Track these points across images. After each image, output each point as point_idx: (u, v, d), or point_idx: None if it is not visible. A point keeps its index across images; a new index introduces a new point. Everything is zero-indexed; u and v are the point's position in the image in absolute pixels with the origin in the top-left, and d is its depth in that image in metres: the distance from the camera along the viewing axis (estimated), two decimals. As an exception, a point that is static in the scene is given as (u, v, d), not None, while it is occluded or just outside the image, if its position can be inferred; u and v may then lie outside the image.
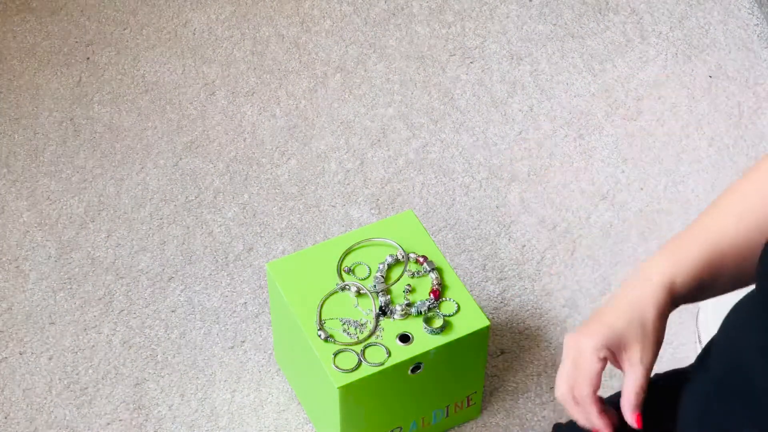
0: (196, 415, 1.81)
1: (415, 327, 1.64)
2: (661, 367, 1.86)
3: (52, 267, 1.96)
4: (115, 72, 2.20)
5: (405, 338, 1.63)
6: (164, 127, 2.13)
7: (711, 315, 1.85)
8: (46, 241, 1.98)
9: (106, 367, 1.85)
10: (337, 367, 1.60)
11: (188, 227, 2.01)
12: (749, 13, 2.29)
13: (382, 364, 1.61)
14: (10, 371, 1.85)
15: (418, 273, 1.69)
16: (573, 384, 1.26)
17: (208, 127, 2.13)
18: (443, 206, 2.04)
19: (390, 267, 1.70)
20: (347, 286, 1.67)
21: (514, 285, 1.94)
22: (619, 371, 1.85)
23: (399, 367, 1.62)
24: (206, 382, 1.84)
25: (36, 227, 2.00)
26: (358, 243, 1.72)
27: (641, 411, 1.24)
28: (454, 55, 2.24)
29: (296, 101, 2.17)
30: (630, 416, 1.24)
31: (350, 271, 1.69)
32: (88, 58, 2.22)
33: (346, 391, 1.60)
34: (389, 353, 1.61)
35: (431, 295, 1.66)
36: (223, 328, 1.89)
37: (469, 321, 1.64)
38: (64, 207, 2.02)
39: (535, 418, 1.81)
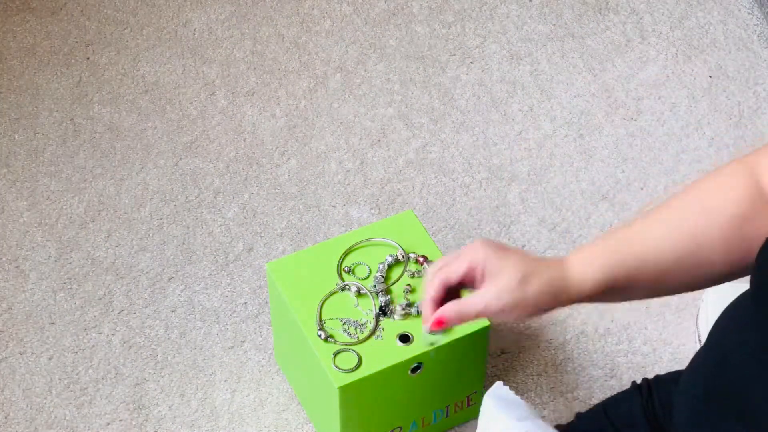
0: (196, 415, 1.81)
1: (415, 327, 1.64)
2: (661, 368, 1.86)
3: (52, 267, 1.96)
4: (115, 72, 2.20)
5: (405, 338, 1.63)
6: (164, 127, 2.13)
7: (711, 315, 1.85)
8: (46, 241, 1.98)
9: (106, 367, 1.85)
10: (337, 367, 1.60)
11: (188, 227, 2.01)
12: (749, 13, 2.30)
13: (382, 364, 1.61)
14: (10, 371, 1.85)
15: (418, 273, 1.69)
16: (440, 263, 1.31)
17: (208, 127, 2.13)
18: (443, 206, 2.04)
19: (390, 267, 1.70)
20: (347, 286, 1.67)
21: (514, 285, 1.94)
22: (619, 373, 1.85)
23: (399, 367, 1.62)
24: (206, 382, 1.84)
25: (36, 227, 2.00)
26: (358, 243, 1.72)
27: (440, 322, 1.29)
28: (454, 55, 2.24)
29: (296, 101, 2.17)
30: (431, 317, 1.29)
31: (350, 271, 1.70)
32: (88, 58, 2.22)
33: (346, 391, 1.60)
34: (389, 353, 1.61)
35: (431, 295, 1.66)
36: (223, 328, 1.89)
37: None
38: (64, 207, 2.02)
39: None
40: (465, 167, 2.08)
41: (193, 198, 2.04)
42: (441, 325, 1.29)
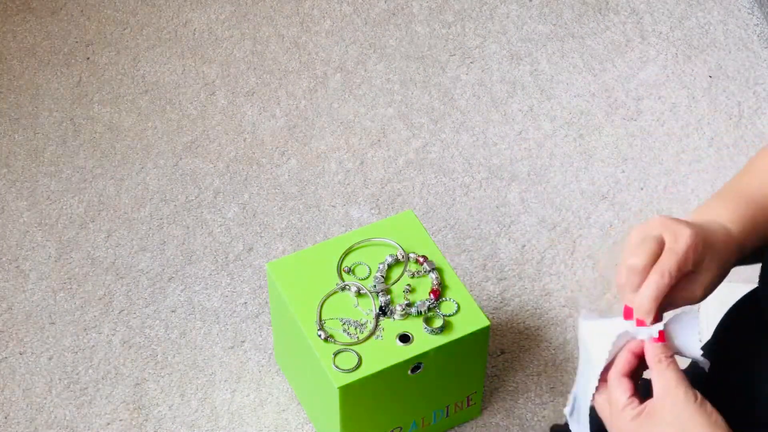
0: (196, 415, 1.81)
1: (415, 327, 1.64)
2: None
3: (52, 267, 1.96)
4: (115, 72, 2.20)
5: (405, 338, 1.63)
6: (164, 127, 2.13)
7: (712, 315, 1.85)
8: (46, 241, 1.98)
9: (106, 367, 1.85)
10: (337, 367, 1.60)
11: (188, 227, 2.01)
12: (749, 13, 2.30)
13: (382, 364, 1.61)
14: (10, 371, 1.85)
15: (418, 273, 1.69)
16: (624, 257, 1.15)
17: (208, 127, 2.13)
18: (443, 206, 2.04)
19: (390, 267, 1.70)
20: (347, 286, 1.67)
21: (514, 285, 1.94)
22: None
23: (399, 367, 1.62)
24: (206, 382, 1.84)
25: (36, 227, 2.00)
26: (358, 243, 1.72)
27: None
28: (454, 55, 2.24)
29: (296, 101, 2.17)
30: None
31: (350, 271, 1.69)
32: (88, 58, 2.22)
33: (346, 391, 1.60)
34: (389, 353, 1.61)
35: (431, 295, 1.66)
36: (223, 328, 1.89)
37: (469, 321, 1.64)
38: (64, 207, 2.02)
39: (535, 418, 1.81)
40: (465, 167, 2.08)
41: (193, 198, 2.04)
42: (629, 316, 1.16)
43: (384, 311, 1.65)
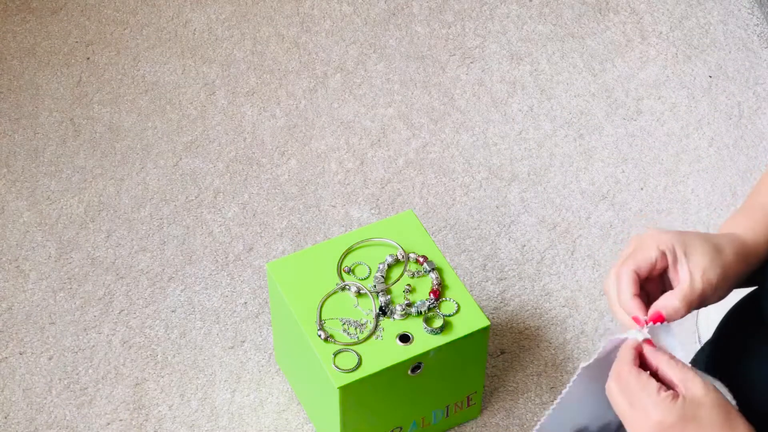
0: (196, 415, 1.81)
1: (415, 327, 1.64)
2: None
3: (52, 267, 1.96)
4: (115, 72, 2.20)
5: (405, 338, 1.63)
6: (164, 127, 2.13)
7: (711, 315, 1.85)
8: (46, 241, 1.98)
9: (106, 367, 1.85)
10: (337, 367, 1.60)
11: (188, 227, 2.01)
12: (749, 13, 2.29)
13: (382, 364, 1.61)
14: (10, 371, 1.85)
15: (418, 273, 1.69)
16: (619, 262, 1.20)
17: (208, 127, 2.13)
18: (443, 206, 2.04)
19: (390, 267, 1.70)
20: (347, 286, 1.67)
21: (514, 285, 1.94)
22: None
23: (399, 367, 1.62)
24: (206, 382, 1.84)
25: (36, 227, 2.00)
26: (358, 243, 1.72)
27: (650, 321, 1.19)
28: (454, 55, 2.24)
29: (296, 101, 2.17)
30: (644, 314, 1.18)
31: (350, 271, 1.69)
32: (88, 58, 2.22)
33: (346, 391, 1.60)
34: (389, 353, 1.61)
35: (431, 295, 1.66)
36: (223, 328, 1.89)
37: (469, 321, 1.64)
38: (64, 207, 2.02)
39: (535, 418, 1.81)
40: (465, 167, 2.08)
41: (193, 198, 2.04)
42: (660, 320, 1.19)
43: (384, 311, 1.65)
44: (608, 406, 1.18)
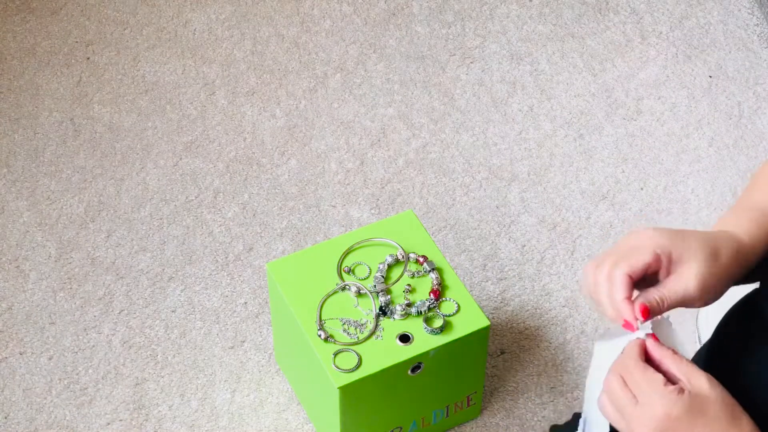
0: (196, 415, 1.81)
1: (415, 327, 1.64)
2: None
3: (52, 267, 1.96)
4: (115, 72, 2.20)
5: (405, 338, 1.63)
6: (164, 127, 2.13)
7: (711, 315, 1.85)
8: (46, 241, 1.98)
9: (106, 367, 1.85)
10: (337, 367, 1.60)
11: (188, 227, 2.01)
12: (749, 13, 2.29)
13: (382, 364, 1.61)
14: (10, 371, 1.85)
15: (418, 273, 1.69)
16: (611, 260, 1.19)
17: (208, 127, 2.13)
18: (443, 206, 2.04)
19: (390, 267, 1.70)
20: (347, 286, 1.67)
21: (514, 285, 1.94)
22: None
23: (399, 367, 1.62)
24: (206, 382, 1.84)
25: (36, 227, 2.00)
26: (358, 243, 1.72)
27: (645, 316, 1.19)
28: (454, 55, 2.24)
29: (296, 101, 2.17)
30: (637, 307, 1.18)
31: (350, 271, 1.69)
32: (88, 58, 2.22)
33: (346, 391, 1.60)
34: (389, 353, 1.61)
35: (431, 295, 1.66)
36: (223, 328, 1.89)
37: (469, 321, 1.64)
38: (64, 207, 2.02)
39: (535, 418, 1.81)
40: (465, 167, 2.08)
41: (193, 198, 2.04)
42: (647, 315, 1.19)
43: (384, 311, 1.65)
44: None
